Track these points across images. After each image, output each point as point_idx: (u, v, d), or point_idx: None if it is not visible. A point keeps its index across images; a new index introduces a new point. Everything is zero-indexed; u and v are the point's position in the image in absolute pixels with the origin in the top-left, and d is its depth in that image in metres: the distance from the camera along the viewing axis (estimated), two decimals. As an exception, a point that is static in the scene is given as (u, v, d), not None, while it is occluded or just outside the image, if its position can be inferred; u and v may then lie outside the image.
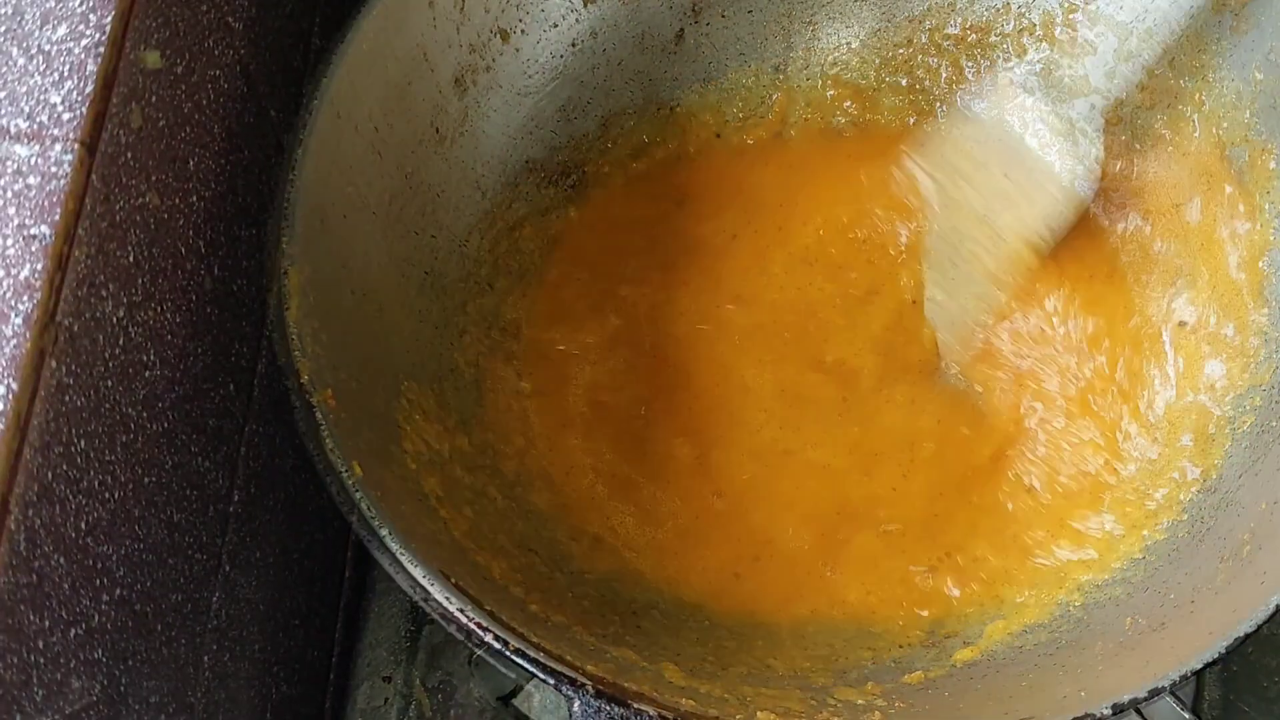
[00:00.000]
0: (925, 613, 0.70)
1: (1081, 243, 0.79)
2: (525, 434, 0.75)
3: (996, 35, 0.81)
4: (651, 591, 0.71)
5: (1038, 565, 0.71)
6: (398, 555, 0.55)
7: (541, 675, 0.53)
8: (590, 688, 0.53)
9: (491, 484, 0.70)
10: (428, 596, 0.54)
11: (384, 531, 0.55)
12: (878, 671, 0.66)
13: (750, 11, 0.82)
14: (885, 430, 0.75)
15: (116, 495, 0.52)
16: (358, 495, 0.55)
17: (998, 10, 0.80)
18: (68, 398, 0.48)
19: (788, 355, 0.77)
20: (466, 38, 0.73)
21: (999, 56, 0.81)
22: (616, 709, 0.53)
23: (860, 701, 0.62)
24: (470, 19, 0.72)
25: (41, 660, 0.47)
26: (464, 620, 0.54)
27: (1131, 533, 0.70)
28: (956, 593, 0.70)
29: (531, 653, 0.53)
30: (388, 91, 0.68)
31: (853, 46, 0.83)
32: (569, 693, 0.53)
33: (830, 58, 0.83)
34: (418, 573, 0.54)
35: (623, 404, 0.76)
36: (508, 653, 0.53)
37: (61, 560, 0.48)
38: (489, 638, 0.53)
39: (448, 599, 0.54)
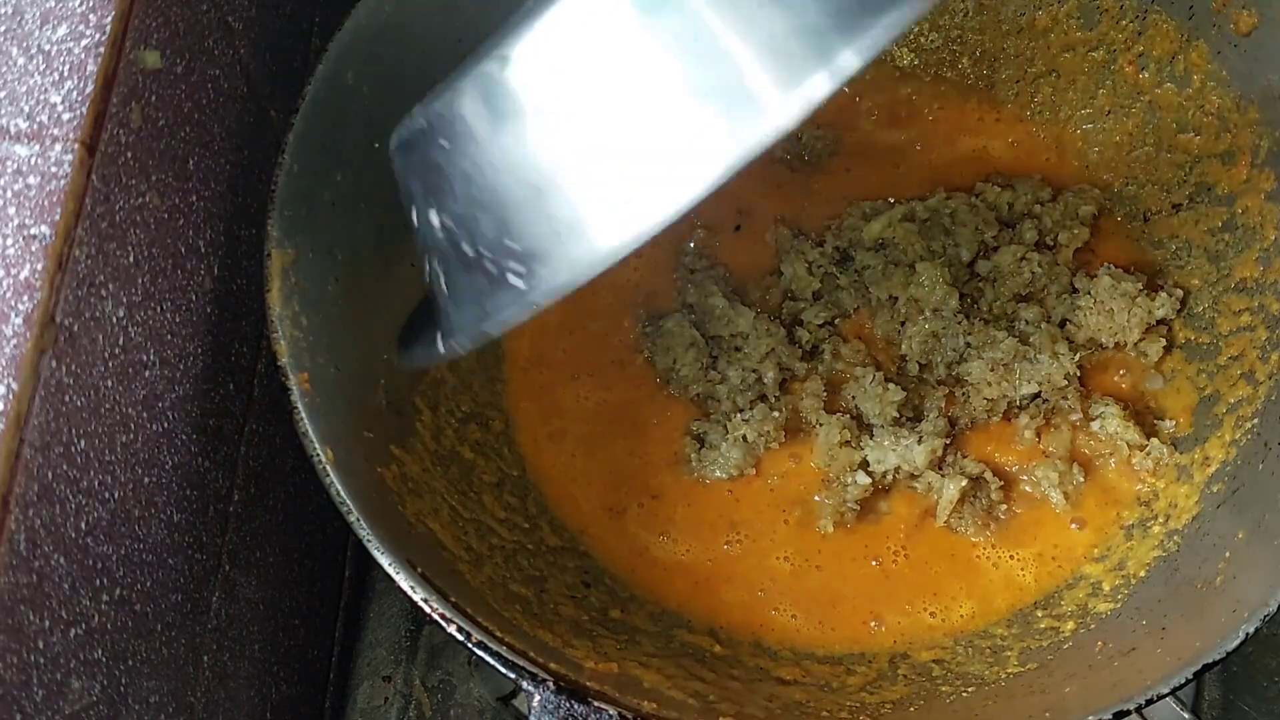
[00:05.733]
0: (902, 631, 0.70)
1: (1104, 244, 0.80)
2: (514, 443, 0.75)
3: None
4: (648, 604, 0.71)
5: (1015, 583, 0.71)
6: (365, 541, 0.55)
7: (503, 669, 0.54)
8: (551, 683, 0.53)
9: (478, 492, 0.70)
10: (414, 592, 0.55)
11: (352, 516, 0.56)
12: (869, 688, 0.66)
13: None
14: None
15: (116, 495, 0.52)
16: (328, 480, 0.56)
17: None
18: (68, 398, 0.48)
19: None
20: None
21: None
22: (577, 705, 0.53)
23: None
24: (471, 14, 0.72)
25: (41, 660, 0.47)
26: (428, 611, 0.54)
27: (1110, 557, 0.70)
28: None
29: (494, 645, 0.54)
30: (384, 83, 0.68)
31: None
32: (529, 687, 0.53)
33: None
34: (385, 560, 0.55)
35: (622, 400, 0.76)
36: (470, 645, 0.54)
37: (61, 560, 0.48)
38: (452, 629, 0.54)
39: (413, 588, 0.54)
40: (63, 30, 0.50)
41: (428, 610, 0.54)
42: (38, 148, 0.48)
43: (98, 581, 0.51)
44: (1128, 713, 0.54)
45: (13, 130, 0.48)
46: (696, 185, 0.40)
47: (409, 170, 0.48)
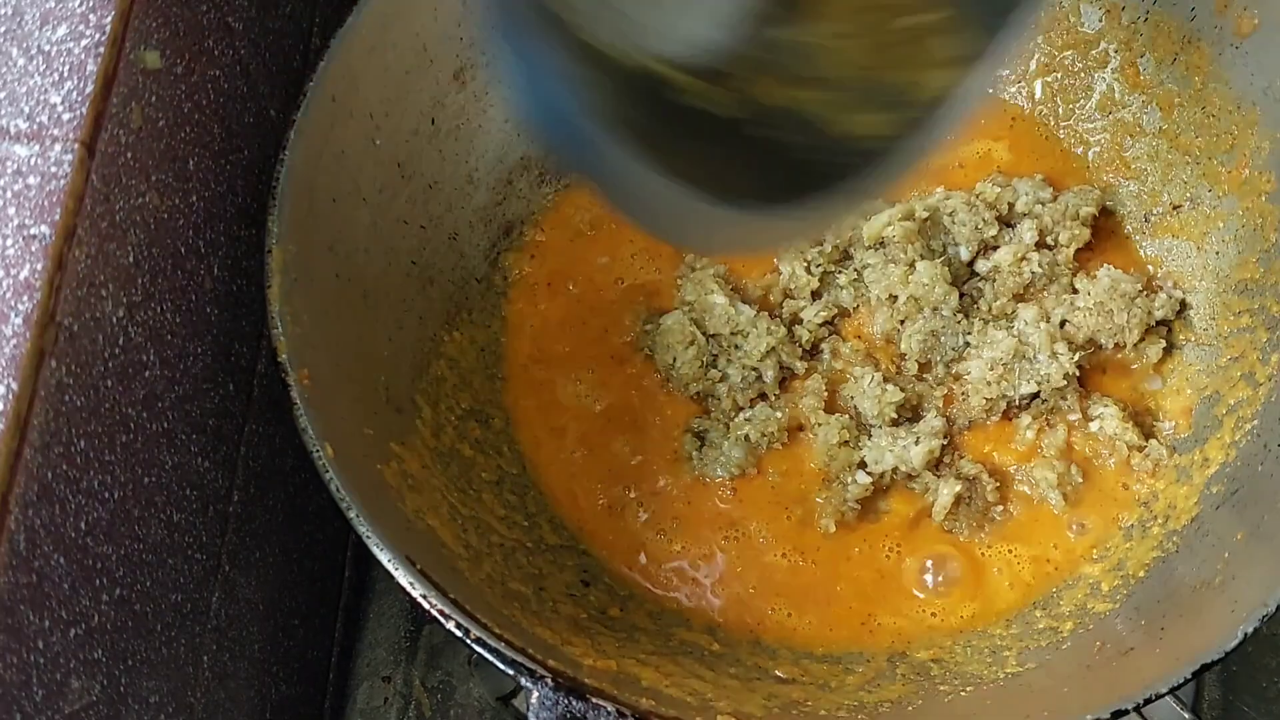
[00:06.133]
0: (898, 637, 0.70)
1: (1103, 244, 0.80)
2: (513, 440, 0.75)
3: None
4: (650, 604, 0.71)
5: (1015, 583, 0.71)
6: (365, 537, 0.55)
7: (502, 665, 0.54)
8: (550, 680, 0.53)
9: (477, 490, 0.70)
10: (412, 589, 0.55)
11: (352, 513, 0.56)
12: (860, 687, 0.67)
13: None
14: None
15: (116, 495, 0.52)
16: (328, 476, 0.56)
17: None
18: (68, 398, 0.48)
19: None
20: (468, 32, 0.72)
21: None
22: (576, 703, 0.53)
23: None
24: (473, 13, 0.72)
25: (41, 660, 0.47)
26: (426, 607, 0.54)
27: (1108, 557, 0.70)
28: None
29: (492, 641, 0.54)
30: (386, 80, 0.68)
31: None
32: (528, 683, 0.54)
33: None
34: (384, 557, 0.55)
35: (622, 398, 0.76)
36: (468, 641, 0.54)
37: (61, 560, 0.48)
38: (451, 625, 0.54)
39: (411, 584, 0.55)
40: (63, 30, 0.50)
41: (427, 606, 0.54)
42: (38, 148, 0.48)
43: (97, 581, 0.51)
44: (1126, 712, 0.54)
45: (13, 130, 0.48)
46: None
47: None
